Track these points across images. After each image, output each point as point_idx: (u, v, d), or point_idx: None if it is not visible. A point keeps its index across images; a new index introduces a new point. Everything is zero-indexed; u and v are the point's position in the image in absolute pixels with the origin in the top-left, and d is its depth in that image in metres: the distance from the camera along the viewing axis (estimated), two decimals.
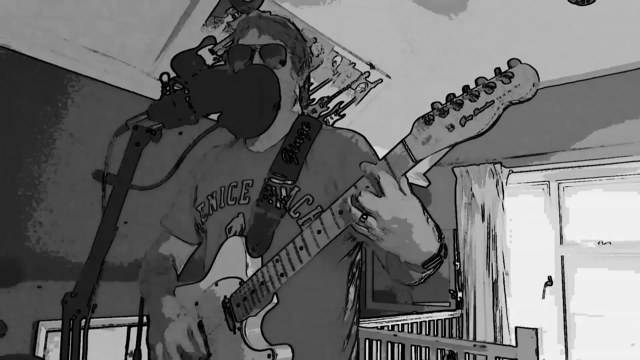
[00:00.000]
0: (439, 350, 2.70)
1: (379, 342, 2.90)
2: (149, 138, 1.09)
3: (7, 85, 2.16)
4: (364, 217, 0.87)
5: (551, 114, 3.83)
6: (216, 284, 1.19)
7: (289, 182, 1.17)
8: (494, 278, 4.13)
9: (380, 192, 0.87)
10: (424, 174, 4.49)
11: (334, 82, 3.30)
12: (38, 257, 2.21)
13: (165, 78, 1.12)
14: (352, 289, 1.22)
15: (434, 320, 3.87)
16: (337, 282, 1.19)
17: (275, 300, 1.11)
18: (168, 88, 1.12)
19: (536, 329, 2.28)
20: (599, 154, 3.80)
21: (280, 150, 1.22)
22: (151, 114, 1.10)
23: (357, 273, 1.24)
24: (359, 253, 1.25)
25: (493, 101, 0.82)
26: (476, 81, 0.84)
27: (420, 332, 3.65)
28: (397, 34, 3.12)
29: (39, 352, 2.15)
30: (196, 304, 1.23)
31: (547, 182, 4.26)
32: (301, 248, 1.03)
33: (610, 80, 3.75)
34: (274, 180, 1.18)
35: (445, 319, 4.03)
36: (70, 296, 1.01)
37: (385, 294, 4.34)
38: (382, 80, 3.47)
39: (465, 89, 0.84)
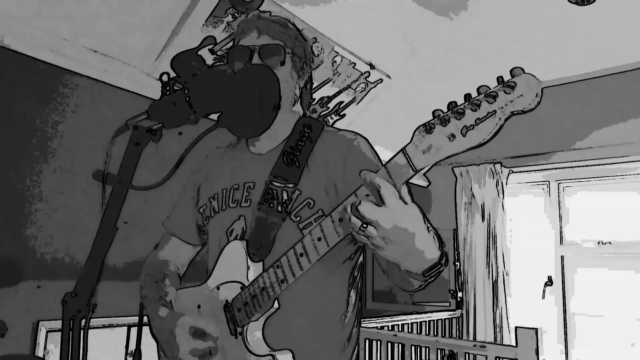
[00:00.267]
0: (439, 350, 2.70)
1: (379, 342, 2.90)
2: (149, 138, 1.09)
3: (7, 85, 2.16)
4: (364, 226, 0.87)
5: (551, 114, 3.83)
6: (218, 288, 1.18)
7: (290, 185, 1.16)
8: (494, 278, 4.13)
9: (380, 201, 0.86)
10: (424, 174, 4.49)
11: (334, 82, 3.30)
12: (38, 257, 2.21)
13: (165, 78, 1.12)
14: (353, 292, 1.22)
15: (434, 320, 3.87)
16: (339, 286, 1.19)
17: (276, 305, 1.11)
18: (168, 88, 1.12)
19: (536, 329, 2.28)
20: (599, 154, 3.80)
21: (282, 152, 1.22)
22: (151, 114, 1.10)
23: (358, 276, 1.24)
24: (361, 256, 1.25)
25: (495, 111, 0.81)
26: (478, 90, 0.83)
27: (420, 332, 3.65)
28: (397, 34, 3.12)
29: (39, 352, 2.15)
30: (199, 307, 1.22)
31: (547, 182, 4.26)
32: (301, 255, 1.03)
33: (610, 80, 3.75)
34: (275, 183, 1.18)
35: (445, 319, 4.03)
36: (70, 296, 1.01)
37: (385, 294, 4.34)
38: (382, 80, 3.47)
39: (467, 97, 0.83)
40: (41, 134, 2.26)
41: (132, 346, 1.29)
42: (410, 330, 3.52)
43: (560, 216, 4.20)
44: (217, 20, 2.53)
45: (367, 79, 3.41)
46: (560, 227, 4.18)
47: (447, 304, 4.22)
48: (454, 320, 4.15)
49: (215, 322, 1.17)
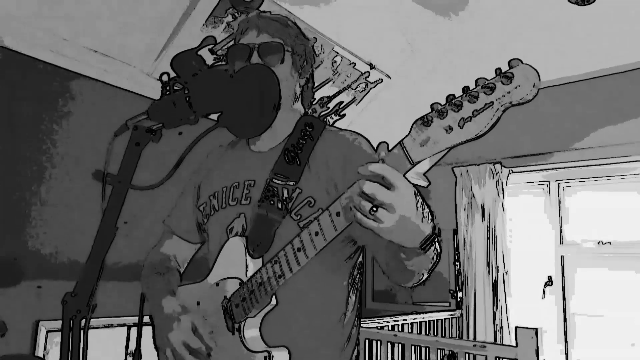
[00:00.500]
0: (439, 350, 2.70)
1: (379, 342, 2.90)
2: (149, 138, 1.09)
3: (7, 85, 2.16)
4: (374, 209, 0.86)
5: (551, 114, 3.83)
6: (217, 284, 1.19)
7: (291, 183, 1.17)
8: (494, 278, 4.13)
9: (391, 186, 0.86)
10: (424, 174, 4.48)
11: (334, 82, 3.30)
12: (38, 257, 2.21)
13: (165, 78, 1.12)
14: (352, 292, 1.22)
15: (434, 320, 3.87)
16: (338, 285, 1.19)
17: (274, 301, 1.11)
18: (168, 88, 1.12)
19: (536, 329, 2.28)
20: (599, 154, 3.80)
21: (283, 150, 1.22)
22: (151, 114, 1.10)
23: (358, 276, 1.24)
24: (360, 256, 1.25)
25: (492, 102, 0.80)
26: (476, 82, 0.83)
27: (420, 332, 3.65)
28: (397, 34, 3.12)
29: (39, 352, 2.15)
30: (198, 303, 1.23)
31: (547, 182, 4.26)
32: (299, 250, 1.03)
33: (610, 80, 3.75)
34: (275, 181, 1.18)
35: (445, 319, 4.03)
36: (70, 296, 1.01)
37: (385, 294, 4.35)
38: (382, 80, 3.47)
39: (465, 90, 0.83)
40: (41, 134, 2.26)
41: (132, 346, 1.29)
42: (410, 330, 3.52)
43: (560, 216, 4.20)
44: (217, 20, 2.53)
45: (367, 79, 3.41)
46: (560, 227, 4.18)
47: (447, 304, 4.22)
48: (454, 320, 4.14)
49: (212, 328, 1.18)
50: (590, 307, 3.96)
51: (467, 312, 4.18)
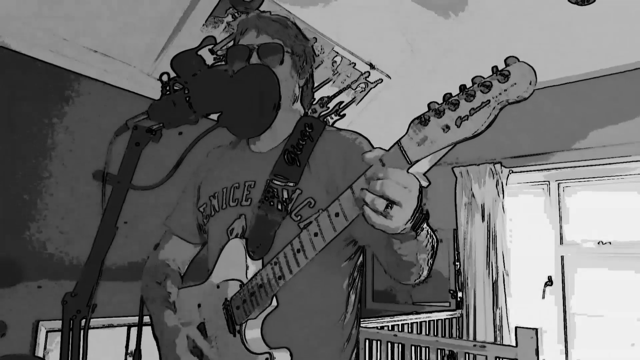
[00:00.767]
0: (439, 350, 2.70)
1: (379, 342, 2.90)
2: (149, 138, 1.09)
3: (7, 85, 2.16)
4: (390, 207, 0.85)
5: (551, 114, 3.83)
6: (218, 286, 1.19)
7: (291, 184, 1.16)
8: (494, 278, 4.13)
9: (404, 185, 0.85)
10: (424, 174, 4.49)
11: (334, 82, 3.30)
12: (38, 257, 2.21)
13: (165, 78, 1.12)
14: (352, 293, 1.22)
15: (434, 320, 3.87)
16: (338, 286, 1.19)
17: (274, 303, 1.11)
18: (168, 88, 1.12)
19: (536, 329, 2.28)
20: (599, 154, 3.80)
21: (283, 151, 1.21)
22: (151, 114, 1.10)
23: (358, 277, 1.24)
24: (361, 256, 1.25)
25: (489, 100, 0.80)
26: (473, 80, 0.83)
27: (420, 332, 3.65)
28: (397, 34, 3.12)
29: (39, 352, 2.15)
30: (199, 305, 1.23)
31: (547, 182, 4.26)
32: (298, 251, 1.02)
33: (610, 80, 3.75)
34: (275, 182, 1.17)
35: (445, 319, 4.03)
36: (70, 296, 1.01)
37: (385, 294, 4.35)
38: (382, 80, 3.47)
39: (462, 88, 0.83)
40: (41, 134, 2.26)
41: (132, 346, 1.29)
42: (410, 330, 3.52)
43: (560, 216, 4.20)
44: (217, 20, 2.53)
45: (367, 79, 3.41)
46: (560, 227, 4.18)
47: (447, 304, 4.22)
48: (454, 320, 4.14)
49: (213, 330, 1.18)
50: (590, 307, 3.96)
51: (467, 312, 4.18)
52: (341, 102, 3.47)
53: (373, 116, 3.62)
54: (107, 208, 1.06)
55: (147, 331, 1.29)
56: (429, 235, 1.00)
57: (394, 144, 0.88)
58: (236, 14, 2.54)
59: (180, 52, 1.21)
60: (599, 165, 3.85)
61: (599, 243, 3.99)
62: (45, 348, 2.17)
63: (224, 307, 1.16)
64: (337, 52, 3.09)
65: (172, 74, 1.14)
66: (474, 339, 4.04)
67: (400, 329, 3.38)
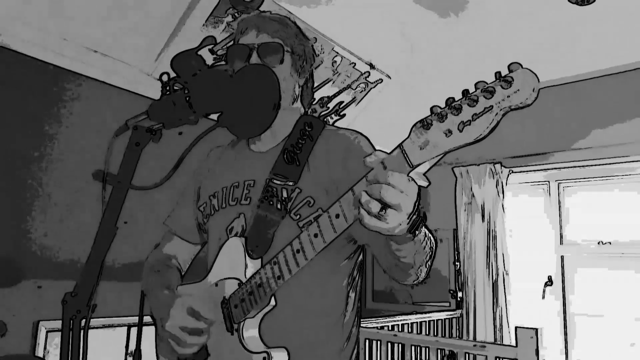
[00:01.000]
0: (439, 350, 2.70)
1: (379, 342, 2.90)
2: (149, 138, 1.09)
3: (6, 85, 2.16)
4: (384, 210, 0.86)
5: (551, 114, 3.83)
6: (216, 285, 1.19)
7: (290, 183, 1.17)
8: (494, 278, 4.13)
9: (400, 188, 0.86)
10: (424, 174, 4.49)
11: (334, 82, 3.30)
12: (38, 257, 2.21)
13: (165, 78, 1.12)
14: (352, 292, 1.22)
15: (434, 320, 3.87)
16: (338, 285, 1.19)
17: (273, 302, 1.11)
18: (168, 88, 1.12)
19: (536, 329, 2.28)
20: (599, 154, 3.80)
21: (282, 150, 1.22)
22: (151, 114, 1.10)
23: (357, 276, 1.24)
24: (360, 256, 1.25)
25: (492, 106, 0.80)
26: (476, 85, 0.83)
27: (420, 332, 3.65)
28: (397, 34, 3.12)
29: (39, 352, 2.15)
30: None
31: (547, 182, 4.26)
32: (298, 251, 1.02)
33: (610, 80, 3.75)
34: (275, 181, 1.18)
35: (445, 319, 4.03)
36: (70, 296, 1.01)
37: (385, 294, 4.35)
38: (382, 80, 3.47)
39: (465, 93, 0.83)
40: (41, 134, 2.26)
41: (132, 346, 1.29)
42: (410, 330, 3.52)
43: (560, 216, 4.20)
44: (217, 20, 2.53)
45: (367, 79, 3.41)
46: (560, 227, 4.18)
47: (447, 304, 4.22)
48: (454, 320, 4.14)
49: (214, 312, 1.18)
50: (590, 307, 3.96)
51: (467, 312, 4.18)
52: (341, 102, 3.47)
53: (373, 116, 3.62)
54: (107, 208, 1.06)
55: (147, 331, 1.29)
56: (427, 238, 1.00)
57: (396, 147, 0.88)
58: (236, 14, 2.54)
59: (180, 52, 1.21)
60: (599, 165, 3.85)
61: (599, 243, 3.99)
62: (45, 348, 2.17)
63: (222, 305, 1.16)
64: (337, 52, 3.09)
65: (172, 74, 1.14)
66: (474, 339, 4.04)
67: (400, 329, 3.38)
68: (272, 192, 1.17)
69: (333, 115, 3.51)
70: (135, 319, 1.30)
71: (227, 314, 1.15)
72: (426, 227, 0.98)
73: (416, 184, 0.88)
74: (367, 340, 2.92)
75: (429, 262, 1.07)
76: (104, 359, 1.90)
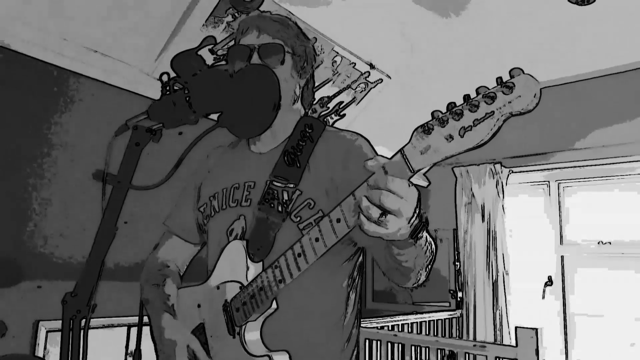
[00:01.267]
0: (439, 350, 2.70)
1: (379, 342, 2.90)
2: (149, 138, 1.09)
3: (6, 86, 2.16)
4: (384, 215, 0.86)
5: (551, 114, 3.83)
6: (218, 287, 1.19)
7: (291, 185, 1.16)
8: (494, 278, 4.13)
9: (400, 194, 0.86)
10: (424, 174, 4.49)
11: (334, 82, 3.30)
12: (38, 257, 2.21)
13: (165, 78, 1.12)
14: (352, 293, 1.21)
15: (434, 320, 3.87)
16: (338, 287, 1.19)
17: (274, 305, 1.11)
18: (168, 88, 1.12)
19: (536, 329, 2.28)
20: (599, 154, 3.80)
21: (283, 152, 1.21)
22: (151, 114, 1.10)
23: (357, 277, 1.24)
24: (360, 256, 1.25)
25: (493, 112, 0.80)
26: (477, 90, 0.82)
27: (420, 332, 3.65)
28: (397, 34, 3.12)
29: (39, 352, 2.15)
30: (198, 306, 1.23)
31: (547, 182, 4.26)
32: (299, 255, 1.02)
33: (610, 80, 3.75)
34: (275, 183, 1.17)
35: (445, 319, 4.03)
36: (70, 296, 1.02)
37: (385, 294, 4.35)
38: (382, 80, 3.47)
39: (466, 98, 0.83)
40: (41, 134, 2.26)
41: (132, 346, 1.29)
42: (410, 330, 3.52)
43: (560, 216, 4.20)
44: (217, 20, 2.53)
45: (367, 79, 3.41)
46: (560, 227, 4.18)
47: (447, 304, 4.22)
48: (454, 320, 4.14)
49: (213, 331, 1.18)
50: (590, 307, 3.96)
51: (467, 312, 4.18)
52: (341, 102, 3.47)
53: (373, 116, 3.62)
54: (107, 208, 1.06)
55: (147, 331, 1.29)
56: (428, 243, 1.00)
57: (397, 152, 0.88)
58: (236, 14, 2.54)
59: (180, 52, 1.21)
60: (599, 165, 3.85)
61: (599, 243, 3.99)
62: (45, 348, 2.17)
63: (224, 308, 1.16)
64: (337, 52, 3.09)
65: (172, 74, 1.14)
66: (474, 339, 4.04)
67: (400, 329, 3.38)
68: (272, 194, 1.17)
69: (333, 115, 3.51)
70: (135, 319, 1.29)
71: (228, 317, 1.15)
72: (427, 231, 0.98)
73: (417, 189, 0.88)
74: (367, 340, 2.92)
75: (429, 266, 1.07)
76: (104, 359, 1.90)
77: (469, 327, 4.14)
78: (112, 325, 2.31)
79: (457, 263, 4.30)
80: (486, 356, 2.44)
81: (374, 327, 3.03)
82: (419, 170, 0.87)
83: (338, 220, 0.96)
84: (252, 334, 1.12)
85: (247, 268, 1.14)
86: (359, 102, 3.55)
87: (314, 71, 1.34)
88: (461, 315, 4.19)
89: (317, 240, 0.99)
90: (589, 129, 3.83)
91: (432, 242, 1.04)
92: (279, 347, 1.12)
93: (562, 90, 3.84)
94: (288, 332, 1.14)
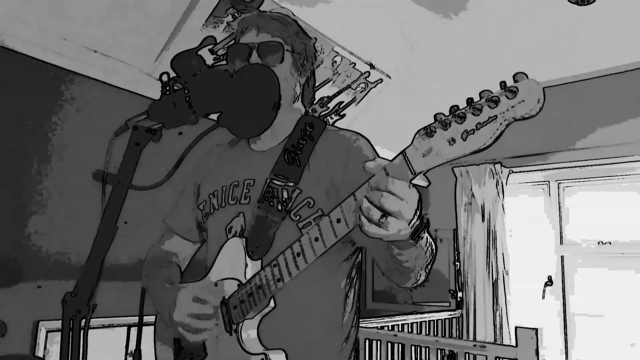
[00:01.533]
0: (439, 350, 2.70)
1: (379, 342, 2.90)
2: (149, 138, 1.09)
3: (6, 86, 2.16)
4: (385, 217, 0.86)
5: (551, 114, 3.82)
6: (216, 284, 1.19)
7: (291, 183, 1.16)
8: (494, 278, 4.13)
9: (400, 196, 0.86)
10: (424, 174, 4.49)
11: (334, 82, 3.30)
12: (38, 257, 2.21)
13: (165, 78, 1.12)
14: (351, 292, 1.21)
15: (434, 320, 3.87)
16: (336, 286, 1.19)
17: (272, 304, 1.11)
18: (168, 88, 1.12)
19: (536, 329, 2.28)
20: (599, 154, 3.80)
21: (283, 150, 1.21)
22: (151, 114, 1.11)
23: (356, 277, 1.24)
24: (359, 256, 1.25)
25: (496, 116, 0.80)
26: (480, 94, 0.82)
27: (420, 332, 3.65)
28: (397, 34, 3.12)
29: (39, 352, 2.15)
30: None
31: (547, 182, 4.26)
32: (298, 254, 1.03)
33: (610, 80, 3.75)
34: (275, 181, 1.17)
35: (445, 319, 4.03)
36: (70, 296, 1.01)
37: (385, 294, 4.35)
38: (382, 80, 3.47)
39: (469, 101, 0.82)
40: (41, 134, 2.26)
41: (132, 346, 1.29)
42: (410, 330, 3.52)
43: (560, 216, 4.20)
44: (217, 20, 2.53)
45: (367, 79, 3.41)
46: (560, 227, 4.18)
47: (447, 304, 4.22)
48: (454, 320, 4.14)
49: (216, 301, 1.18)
50: (590, 307, 3.96)
51: (467, 312, 4.18)
52: (341, 102, 3.47)
53: (373, 116, 3.62)
54: (107, 208, 1.06)
55: (147, 331, 1.29)
56: (428, 243, 1.00)
57: (399, 154, 0.88)
58: (236, 14, 2.54)
59: (180, 52, 1.21)
60: (599, 165, 3.85)
61: (599, 243, 3.99)
62: (45, 348, 2.17)
63: (222, 305, 1.16)
64: (337, 52, 3.09)
65: (172, 74, 1.14)
66: (474, 339, 4.04)
67: (400, 329, 3.38)
68: (272, 192, 1.17)
69: (333, 115, 3.51)
70: (135, 319, 1.29)
71: (226, 315, 1.15)
72: (428, 232, 0.98)
73: (418, 190, 0.88)
74: (367, 340, 2.92)
75: (429, 267, 1.07)
76: (104, 359, 1.90)
77: (469, 327, 4.14)
78: (112, 325, 2.31)
79: (457, 263, 4.30)
80: (486, 356, 2.44)
81: (374, 327, 3.03)
82: (421, 172, 0.87)
83: (338, 221, 0.96)
84: (249, 332, 1.12)
85: (246, 266, 1.14)
86: (359, 102, 3.55)
87: (315, 69, 1.34)
88: (461, 315, 4.19)
89: (316, 240, 0.99)
90: (589, 129, 3.83)
91: (433, 243, 1.04)
92: (276, 346, 1.12)
93: (562, 90, 3.84)
94: (285, 331, 1.14)
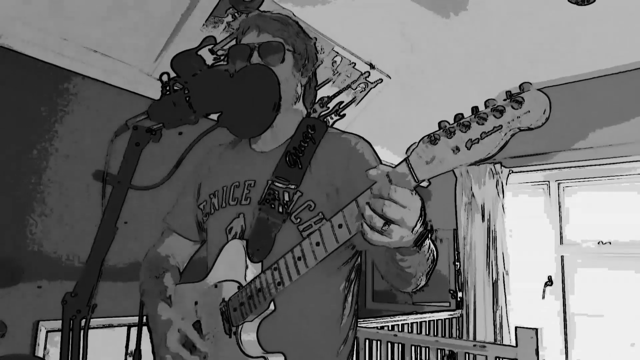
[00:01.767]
0: (439, 350, 2.70)
1: (379, 342, 2.90)
2: (149, 138, 1.09)
3: (6, 86, 2.16)
4: (387, 225, 0.86)
5: (551, 114, 3.82)
6: (215, 286, 1.18)
7: (292, 186, 1.16)
8: (494, 278, 4.13)
9: (403, 204, 0.86)
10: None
11: (334, 82, 3.30)
12: (38, 257, 2.21)
13: (165, 78, 1.12)
14: (350, 295, 1.21)
15: (434, 320, 3.87)
16: (335, 289, 1.19)
17: (272, 307, 1.11)
18: (168, 88, 1.12)
19: (536, 329, 2.28)
20: (599, 154, 3.80)
21: (285, 153, 1.21)
22: (151, 114, 1.10)
23: (355, 279, 1.24)
24: (358, 259, 1.24)
25: (501, 126, 0.79)
26: (486, 103, 0.81)
27: (420, 332, 3.64)
28: (397, 34, 3.12)
29: (39, 352, 2.15)
30: (195, 303, 1.22)
31: (547, 182, 4.26)
32: (299, 259, 1.02)
33: (610, 80, 3.75)
34: (277, 183, 1.17)
35: (445, 319, 4.03)
36: (70, 296, 1.01)
37: (385, 294, 4.35)
38: (382, 80, 3.47)
39: (474, 110, 0.81)
40: (41, 134, 2.26)
41: (132, 346, 1.29)
42: (410, 330, 3.52)
43: (560, 216, 4.20)
44: (217, 20, 2.53)
45: (367, 79, 3.41)
46: (560, 227, 4.18)
47: (447, 304, 4.22)
48: (454, 320, 4.14)
49: (209, 329, 1.17)
50: (590, 307, 3.96)
51: (467, 312, 4.18)
52: (341, 102, 3.47)
53: (373, 116, 3.62)
54: (107, 208, 1.06)
55: (147, 331, 1.29)
56: (430, 250, 1.00)
57: (402, 161, 0.87)
58: (236, 14, 2.54)
59: (180, 52, 1.21)
60: (599, 165, 3.85)
61: (599, 243, 3.99)
62: (45, 348, 2.17)
63: (221, 307, 1.15)
64: (337, 52, 3.09)
65: (172, 74, 1.14)
66: (474, 339, 4.04)
67: (400, 329, 3.38)
68: (273, 195, 1.17)
69: (333, 116, 3.50)
70: (135, 319, 1.29)
71: (225, 316, 1.15)
72: (430, 238, 0.97)
73: (421, 197, 0.88)
74: (367, 340, 2.92)
75: (429, 272, 1.07)
76: (104, 359, 1.90)
77: (469, 327, 4.14)
78: (112, 325, 2.31)
79: (457, 263, 4.30)
80: (486, 356, 2.44)
81: (374, 327, 3.02)
82: (423, 180, 0.86)
83: (340, 226, 0.95)
84: (248, 335, 1.12)
85: (246, 268, 1.14)
86: (359, 102, 3.55)
87: (316, 69, 1.34)
88: (461, 315, 4.19)
89: (317, 244, 0.99)
90: (589, 129, 3.83)
91: (435, 249, 1.03)
92: (275, 349, 1.12)
93: (562, 90, 3.84)
94: (284, 334, 1.14)
